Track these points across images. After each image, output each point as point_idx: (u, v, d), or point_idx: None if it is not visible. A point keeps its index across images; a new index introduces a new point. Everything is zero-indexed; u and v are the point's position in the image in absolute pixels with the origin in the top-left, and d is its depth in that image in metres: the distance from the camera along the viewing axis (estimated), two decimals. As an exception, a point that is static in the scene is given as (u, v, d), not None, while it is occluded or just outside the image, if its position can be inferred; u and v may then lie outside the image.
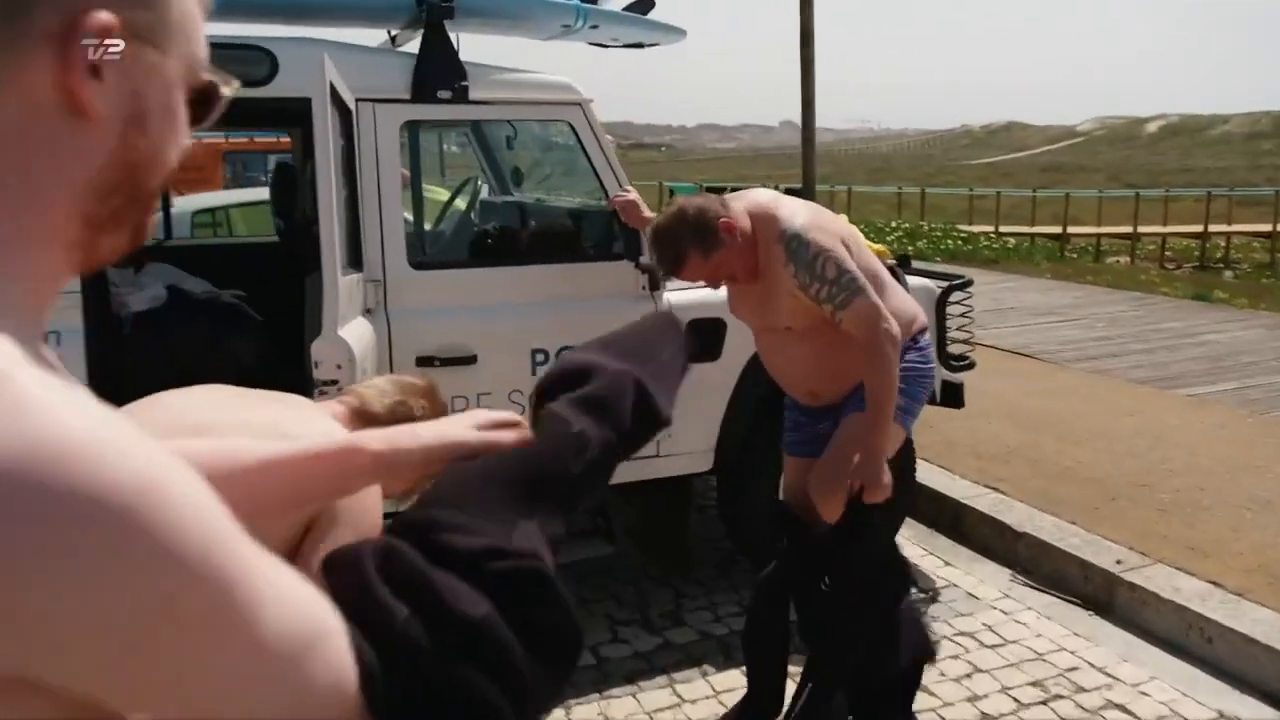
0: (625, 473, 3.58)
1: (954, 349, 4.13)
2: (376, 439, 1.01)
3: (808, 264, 2.56)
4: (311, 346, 2.56)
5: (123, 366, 3.38)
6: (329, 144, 2.61)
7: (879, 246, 4.02)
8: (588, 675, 3.37)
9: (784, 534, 2.97)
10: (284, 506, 1.12)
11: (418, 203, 4.08)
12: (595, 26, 3.58)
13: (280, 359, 3.56)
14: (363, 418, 1.70)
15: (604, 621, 3.74)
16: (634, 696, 3.25)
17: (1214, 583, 3.66)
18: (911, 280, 3.97)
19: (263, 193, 8.34)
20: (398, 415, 1.71)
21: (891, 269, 3.86)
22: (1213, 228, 24.95)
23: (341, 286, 2.63)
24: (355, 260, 3.09)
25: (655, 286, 3.53)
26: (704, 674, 3.38)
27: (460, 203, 4.62)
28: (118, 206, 0.60)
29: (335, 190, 2.60)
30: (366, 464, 0.99)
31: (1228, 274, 19.98)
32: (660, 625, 3.72)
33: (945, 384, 4.00)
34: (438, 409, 1.78)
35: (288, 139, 5.45)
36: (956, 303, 4.08)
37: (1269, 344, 8.04)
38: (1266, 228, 25.33)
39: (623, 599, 3.92)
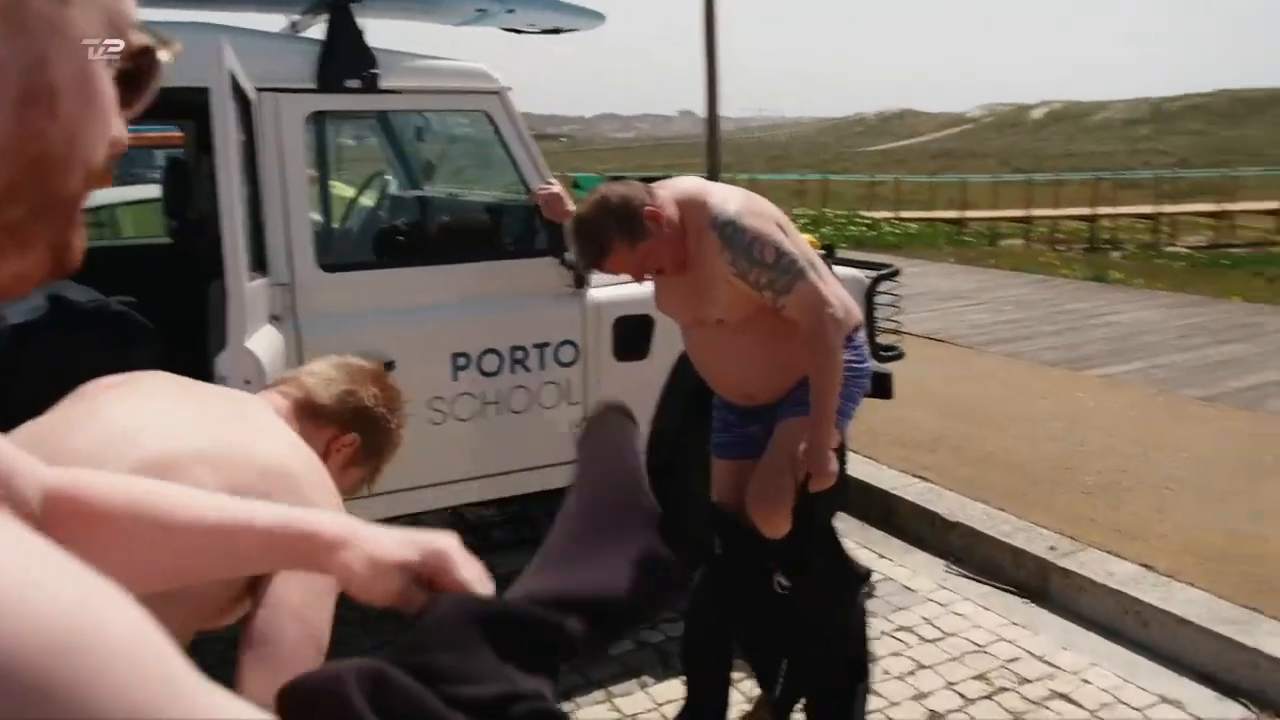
0: (552, 479, 3.44)
1: (882, 339, 4.07)
2: (362, 558, 0.88)
3: (744, 249, 2.44)
4: (216, 360, 2.34)
5: (1, 385, 3.09)
6: (229, 138, 2.39)
7: (808, 236, 3.93)
8: (522, 693, 3.21)
9: (719, 538, 2.86)
10: (232, 570, 1.03)
11: (326, 201, 3.86)
12: (512, 10, 3.41)
13: (178, 372, 3.30)
14: (308, 411, 1.57)
15: (536, 634, 3.58)
16: (570, 714, 3.10)
17: (1145, 565, 3.67)
18: (839, 271, 3.89)
19: (152, 190, 7.91)
20: (347, 405, 1.59)
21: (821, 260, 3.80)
22: (1100, 210, 25.82)
23: (246, 293, 2.41)
24: (259, 263, 2.87)
25: (581, 284, 3.38)
26: (643, 685, 3.26)
27: (368, 199, 4.39)
28: (18, 219, 0.42)
29: (237, 188, 2.38)
30: (335, 571, 0.87)
31: (1115, 254, 20.64)
32: (594, 635, 3.57)
33: (875, 375, 3.93)
34: (390, 397, 1.67)
35: (179, 133, 5.13)
36: (885, 292, 4.02)
37: (1169, 323, 8.26)
38: (1149, 209, 26.34)
39: (554, 609, 3.77)
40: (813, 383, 2.49)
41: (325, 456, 1.55)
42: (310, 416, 1.58)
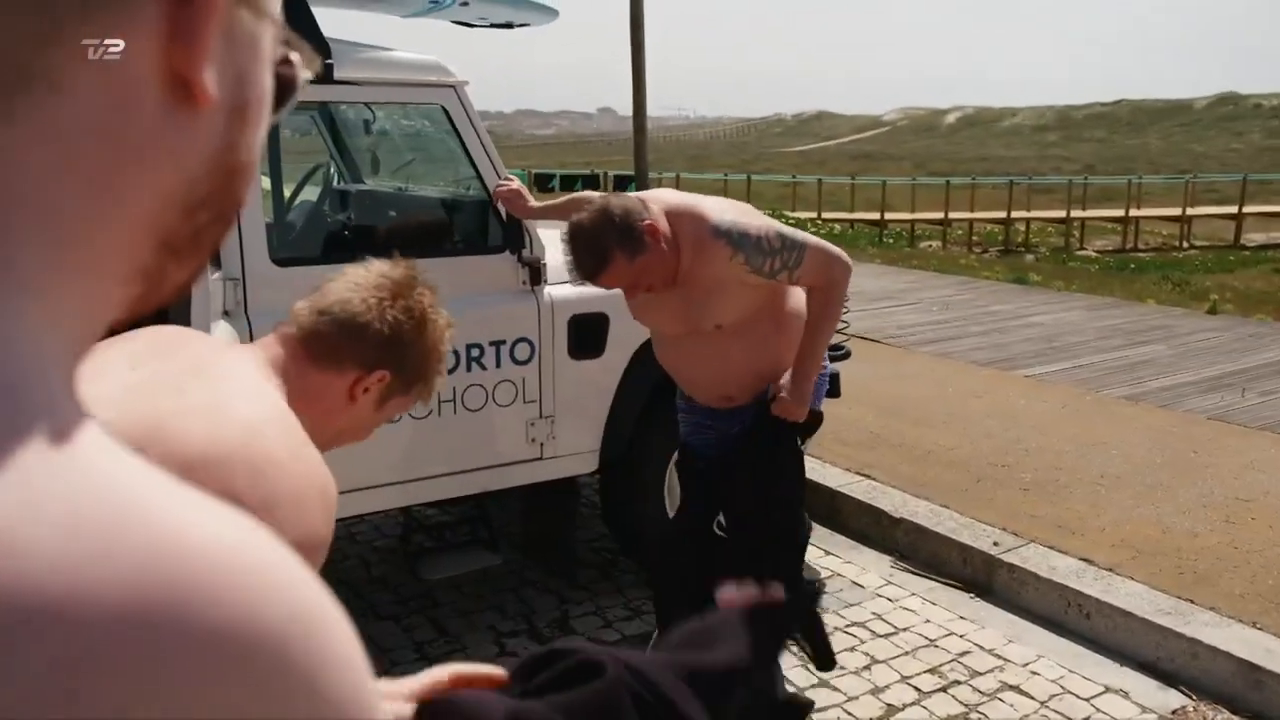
0: (507, 478, 3.40)
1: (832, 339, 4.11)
2: None
3: (754, 246, 2.50)
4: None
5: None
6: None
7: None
8: (479, 695, 3.17)
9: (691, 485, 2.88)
10: None
11: (278, 194, 3.75)
12: (465, 4, 3.35)
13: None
14: (313, 354, 1.31)
15: (489, 635, 3.54)
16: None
17: (1086, 559, 3.78)
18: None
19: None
20: (363, 340, 1.33)
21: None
22: (1014, 214, 26.50)
23: (209, 287, 2.34)
24: (212, 258, 2.77)
25: (537, 280, 3.35)
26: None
27: (310, 192, 4.28)
28: (204, 224, 0.42)
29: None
30: None
31: (1029, 257, 21.22)
32: (548, 635, 3.55)
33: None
34: (418, 310, 1.37)
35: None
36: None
37: (1090, 324, 8.51)
38: (1060, 214, 27.12)
39: (506, 609, 3.73)
40: (817, 324, 2.61)
41: (350, 404, 1.35)
42: (317, 360, 1.32)
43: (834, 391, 4.09)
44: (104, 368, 1.27)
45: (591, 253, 2.43)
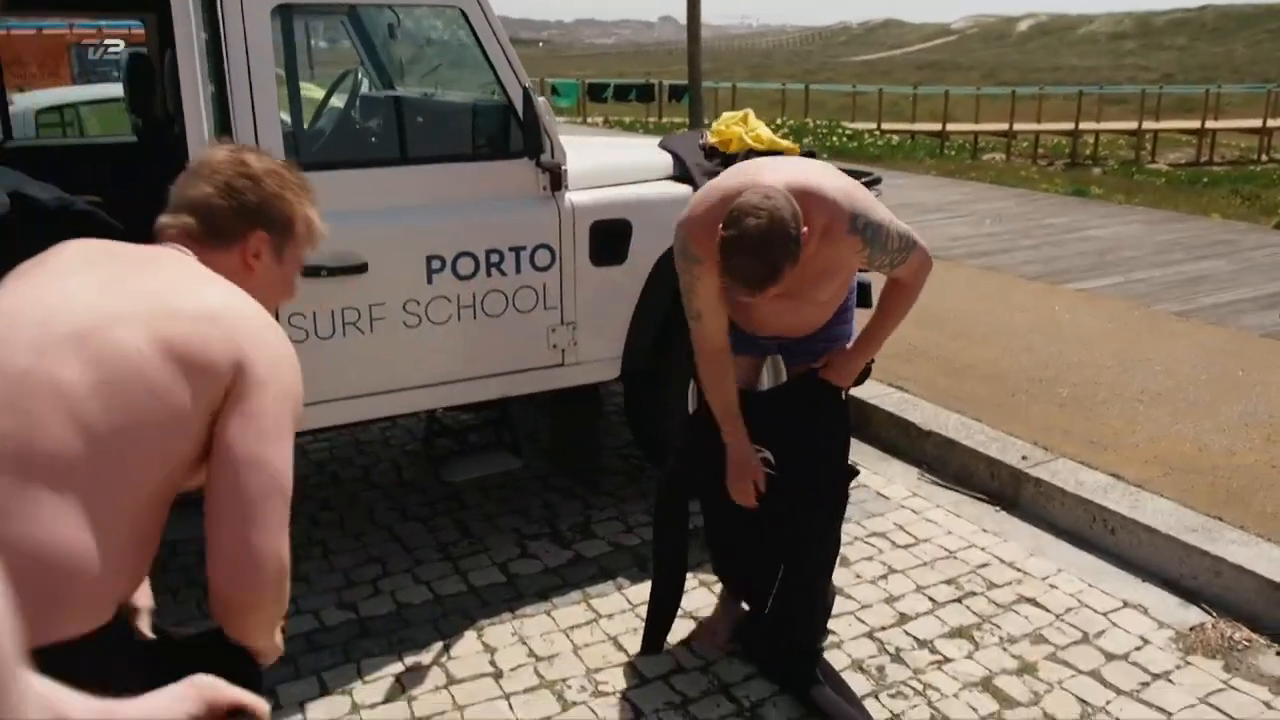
0: (529, 384, 3.42)
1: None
2: None
3: (882, 245, 2.48)
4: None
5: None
6: (191, 31, 2.30)
7: (786, 143, 3.87)
8: (499, 593, 3.25)
9: (692, 433, 2.88)
10: None
11: (295, 99, 3.74)
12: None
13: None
14: (205, 238, 1.50)
15: (512, 537, 3.61)
16: (548, 614, 3.14)
17: (1115, 475, 3.72)
18: (821, 177, 3.84)
19: (116, 88, 7.68)
20: (230, 209, 1.51)
21: (802, 165, 3.73)
22: (1083, 125, 25.65)
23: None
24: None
25: (557, 186, 3.31)
26: (619, 587, 3.29)
27: (339, 99, 4.26)
28: None
29: (201, 82, 2.29)
30: None
31: (1096, 170, 20.57)
32: (570, 539, 3.60)
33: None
34: (259, 171, 1.55)
35: (141, 29, 4.96)
36: (866, 200, 3.96)
37: (1147, 239, 8.26)
38: (1132, 125, 26.18)
39: (530, 513, 3.79)
40: (890, 313, 2.71)
41: (250, 271, 1.52)
42: (209, 242, 1.49)
43: (865, 302, 4.04)
44: (48, 277, 1.35)
45: (765, 264, 2.25)
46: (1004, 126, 25.08)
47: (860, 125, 23.75)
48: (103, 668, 1.21)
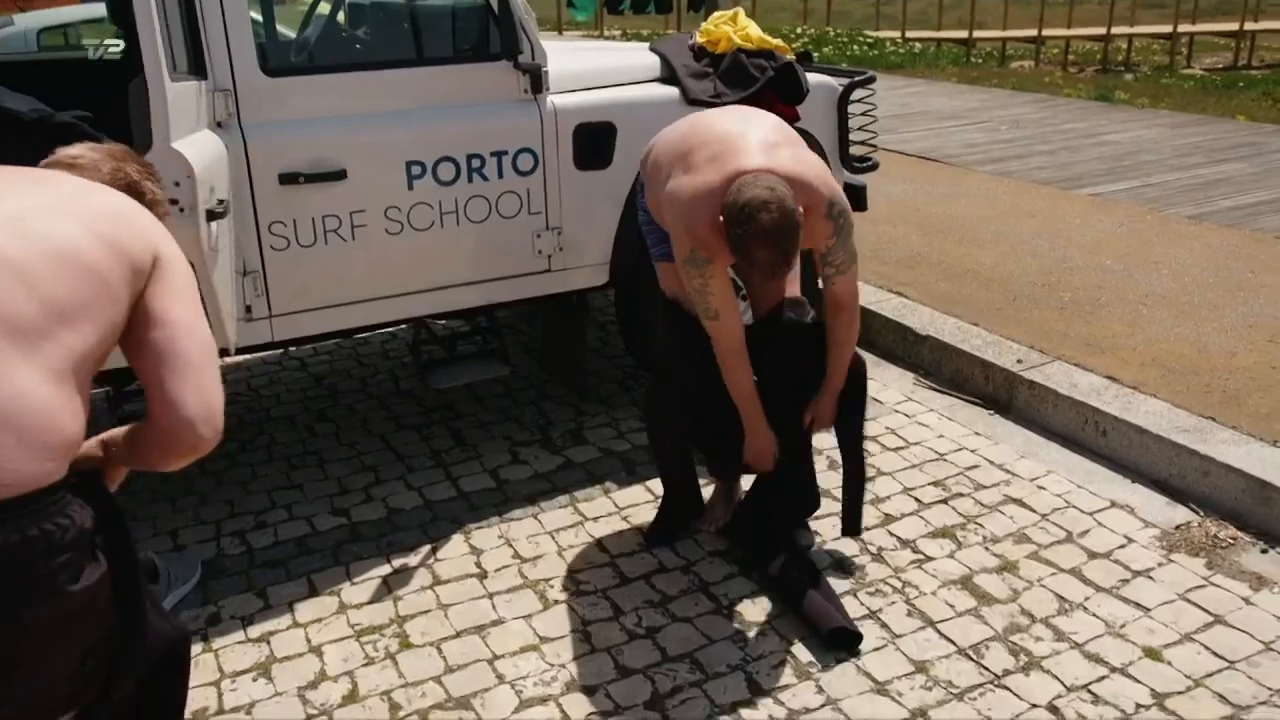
0: (515, 290, 3.41)
1: (856, 150, 3.96)
2: None
3: (845, 238, 2.59)
4: (144, 161, 2.27)
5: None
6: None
7: (777, 42, 3.78)
8: (488, 498, 3.29)
9: (673, 330, 2.88)
10: None
11: (267, 4, 3.68)
12: None
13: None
14: None
15: (504, 444, 3.64)
16: (535, 518, 3.18)
17: (1110, 377, 3.68)
18: (812, 77, 3.76)
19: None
20: (119, 183, 1.70)
21: (791, 64, 3.65)
22: (1115, 30, 24.83)
23: (174, 93, 2.32)
24: (198, 67, 2.75)
25: (538, 89, 3.25)
26: (606, 491, 3.32)
27: (325, 6, 4.18)
28: None
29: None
30: None
31: (1128, 76, 19.98)
32: (561, 445, 3.63)
33: (848, 187, 3.85)
34: (148, 170, 1.80)
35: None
36: (858, 100, 3.88)
37: (1168, 142, 8.06)
38: (1167, 29, 25.33)
39: (523, 421, 3.82)
40: (843, 350, 2.77)
41: None
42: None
43: (860, 205, 3.99)
44: None
45: (782, 253, 2.37)
46: (1033, 33, 24.35)
47: (884, 34, 23.13)
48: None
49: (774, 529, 2.93)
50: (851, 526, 2.96)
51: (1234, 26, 24.83)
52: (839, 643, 2.55)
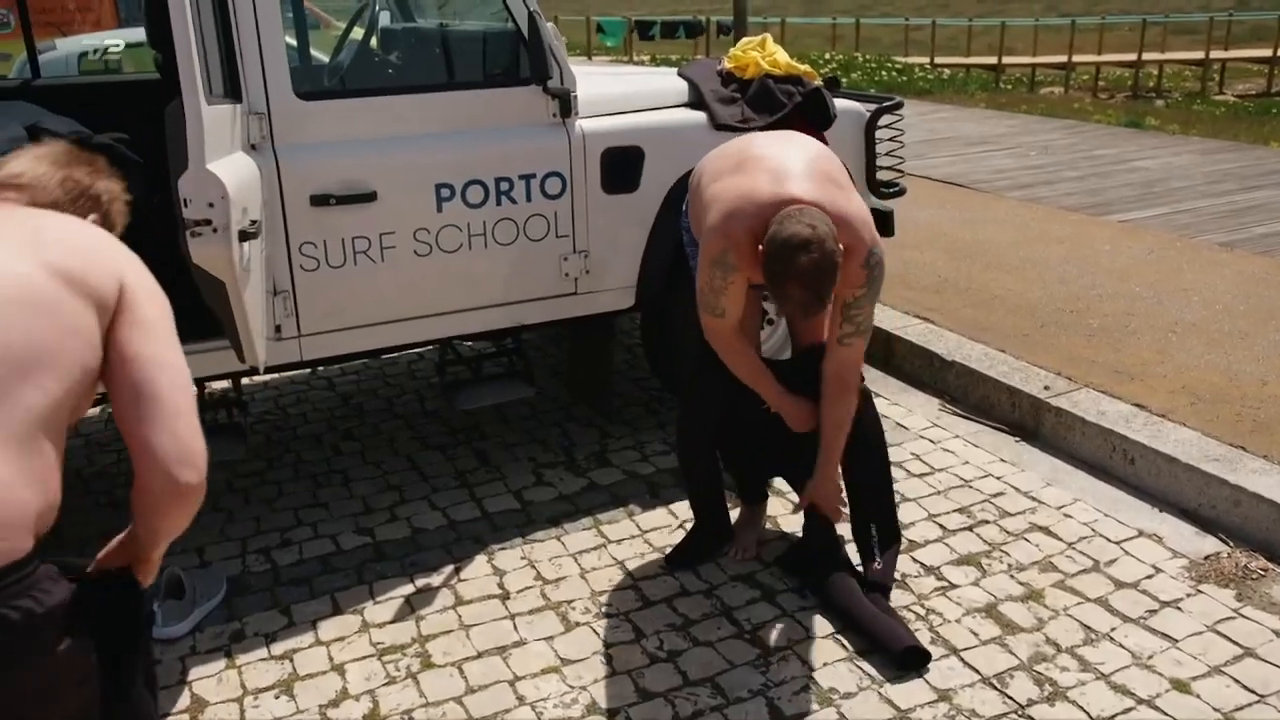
0: (541, 312, 3.43)
1: (884, 175, 3.97)
2: None
3: (876, 289, 2.57)
4: (178, 182, 2.31)
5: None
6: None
7: (805, 68, 3.80)
8: (512, 519, 3.30)
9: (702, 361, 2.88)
10: None
11: (302, 26, 3.75)
12: None
13: (166, 202, 3.28)
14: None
15: (528, 465, 3.65)
16: (558, 539, 3.18)
17: (1138, 405, 3.65)
18: (840, 104, 3.77)
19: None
20: (72, 193, 1.59)
21: (819, 89, 3.67)
22: (1146, 56, 24.77)
23: (210, 115, 2.36)
24: (233, 90, 2.80)
25: (567, 113, 3.29)
26: (629, 513, 3.32)
27: (359, 31, 4.26)
28: None
29: (185, 6, 2.31)
30: None
31: (1159, 103, 19.90)
32: (585, 467, 3.64)
33: (875, 212, 3.83)
34: (97, 168, 1.66)
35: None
36: (886, 126, 3.89)
37: (1199, 169, 8.01)
38: (1199, 55, 25.23)
39: (548, 443, 3.83)
40: (837, 425, 2.71)
41: None
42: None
43: (888, 230, 3.99)
44: None
45: (817, 294, 2.36)
46: (1063, 59, 24.31)
47: (912, 59, 23.16)
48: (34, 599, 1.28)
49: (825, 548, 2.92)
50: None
51: (1268, 53, 24.69)
52: (910, 662, 2.55)
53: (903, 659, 2.55)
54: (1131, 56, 24.87)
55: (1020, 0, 59.82)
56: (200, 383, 3.27)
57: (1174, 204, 6.77)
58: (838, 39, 28.21)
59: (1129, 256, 5.52)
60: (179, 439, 1.36)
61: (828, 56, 21.09)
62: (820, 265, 2.32)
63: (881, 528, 2.92)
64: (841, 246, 2.38)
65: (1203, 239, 5.88)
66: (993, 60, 24.05)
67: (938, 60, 24.07)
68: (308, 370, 4.44)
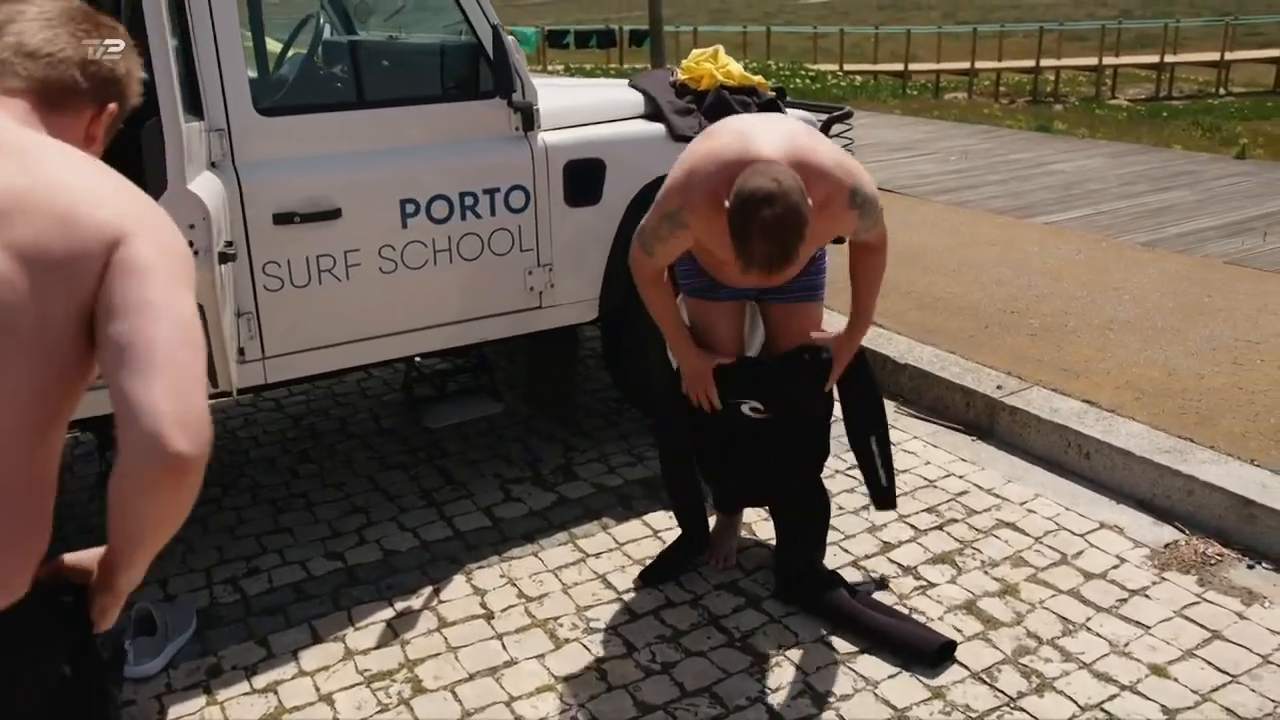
0: (507, 327, 3.41)
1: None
2: None
3: (871, 214, 2.56)
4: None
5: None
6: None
7: (758, 79, 3.84)
8: (485, 537, 3.26)
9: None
10: None
11: (260, 42, 3.66)
12: None
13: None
14: (50, 101, 1.24)
15: (495, 482, 3.62)
16: (535, 555, 3.16)
17: (1088, 401, 3.78)
18: (791, 113, 3.82)
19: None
20: (96, 78, 1.27)
21: (774, 100, 3.72)
22: (1043, 63, 25.64)
23: (184, 133, 2.30)
24: (194, 106, 2.72)
25: (530, 126, 3.27)
26: (604, 526, 3.31)
27: (302, 44, 4.17)
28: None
29: (167, 18, 2.24)
30: None
31: (1058, 107, 20.61)
32: (553, 481, 3.62)
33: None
34: (106, 32, 1.28)
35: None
36: (838, 135, 3.96)
37: (1111, 171, 8.31)
38: (1092, 61, 26.21)
39: (512, 457, 3.80)
40: (869, 294, 2.81)
41: (90, 139, 1.29)
42: (56, 107, 1.25)
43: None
44: None
45: (783, 249, 2.27)
46: (965, 65, 25.04)
47: (823, 67, 23.62)
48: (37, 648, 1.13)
49: (812, 566, 2.94)
50: (888, 502, 2.98)
51: (1155, 59, 25.77)
52: (944, 656, 2.60)
53: (939, 656, 2.60)
54: (1030, 63, 25.72)
55: (917, 9, 61.40)
56: None
57: (1093, 205, 7.02)
58: (748, 45, 28.57)
59: (1058, 257, 5.70)
60: (178, 396, 1.04)
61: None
62: (783, 219, 2.24)
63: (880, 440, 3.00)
64: (812, 202, 2.31)
65: (1125, 239, 6.11)
66: (899, 67, 24.66)
67: (847, 67, 24.57)
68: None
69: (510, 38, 3.19)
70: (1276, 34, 28.74)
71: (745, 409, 2.83)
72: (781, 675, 2.58)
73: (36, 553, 1.14)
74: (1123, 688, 2.51)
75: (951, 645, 2.63)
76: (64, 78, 1.24)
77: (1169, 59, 25.83)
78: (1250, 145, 10.69)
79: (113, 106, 1.30)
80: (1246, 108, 19.78)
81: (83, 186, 1.13)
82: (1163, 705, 2.45)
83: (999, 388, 3.92)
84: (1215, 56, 26.02)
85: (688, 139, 3.50)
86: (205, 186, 2.42)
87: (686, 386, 2.82)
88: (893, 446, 3.76)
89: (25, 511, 1.12)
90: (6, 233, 1.06)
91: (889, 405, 4.13)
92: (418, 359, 3.63)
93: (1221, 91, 24.71)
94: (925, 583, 2.96)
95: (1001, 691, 2.51)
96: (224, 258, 2.35)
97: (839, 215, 2.48)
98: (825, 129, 3.91)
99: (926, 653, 2.60)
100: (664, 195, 2.58)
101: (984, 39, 26.39)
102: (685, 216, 2.50)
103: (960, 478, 3.57)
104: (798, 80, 19.18)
